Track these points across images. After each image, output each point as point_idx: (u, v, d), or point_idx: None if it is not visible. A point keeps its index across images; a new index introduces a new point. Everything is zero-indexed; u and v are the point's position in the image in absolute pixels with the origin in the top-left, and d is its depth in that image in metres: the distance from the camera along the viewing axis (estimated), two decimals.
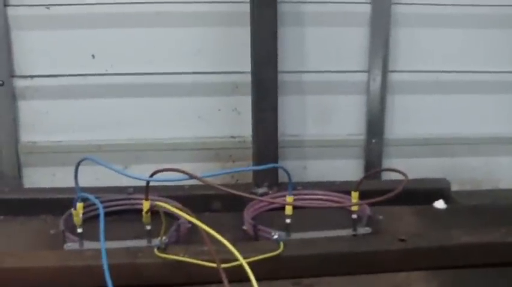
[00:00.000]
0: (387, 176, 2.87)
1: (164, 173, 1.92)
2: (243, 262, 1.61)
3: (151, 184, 2.24)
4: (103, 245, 1.79)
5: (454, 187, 2.91)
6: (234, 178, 2.89)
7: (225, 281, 1.58)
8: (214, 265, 1.79)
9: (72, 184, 2.19)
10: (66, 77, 2.75)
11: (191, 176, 1.86)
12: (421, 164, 2.95)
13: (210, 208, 2.63)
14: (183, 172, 1.88)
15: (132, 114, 2.83)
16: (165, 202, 1.93)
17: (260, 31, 2.61)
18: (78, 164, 2.09)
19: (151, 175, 1.94)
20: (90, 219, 2.27)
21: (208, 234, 1.67)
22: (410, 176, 2.76)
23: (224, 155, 2.89)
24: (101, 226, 1.85)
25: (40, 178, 2.85)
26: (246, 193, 2.15)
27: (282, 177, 2.76)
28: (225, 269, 1.69)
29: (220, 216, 2.58)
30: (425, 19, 2.86)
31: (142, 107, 2.83)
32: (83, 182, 2.52)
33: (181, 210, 1.87)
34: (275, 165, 2.40)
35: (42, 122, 2.81)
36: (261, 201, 2.51)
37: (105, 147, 2.80)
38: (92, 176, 2.73)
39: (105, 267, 1.71)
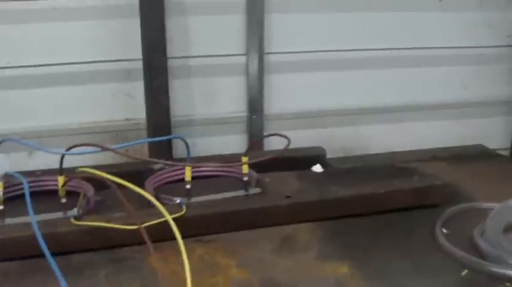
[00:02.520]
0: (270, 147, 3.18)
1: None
2: (169, 218, 1.86)
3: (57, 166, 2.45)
4: (32, 215, 1.97)
5: (329, 155, 3.20)
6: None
7: (147, 239, 1.81)
8: (130, 227, 2.04)
9: None
10: None
11: (103, 149, 2.09)
12: (298, 135, 3.13)
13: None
14: (96, 145, 2.11)
15: (35, 104, 2.93)
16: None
17: (149, 21, 2.81)
18: None
19: (67, 150, 2.16)
20: (11, 199, 2.45)
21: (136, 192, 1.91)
22: (291, 146, 3.08)
23: (121, 136, 3.05)
24: (27, 197, 2.03)
25: None
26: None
27: (175, 154, 3.03)
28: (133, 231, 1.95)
29: (122, 191, 2.77)
30: (294, 6, 3.12)
31: (43, 96, 2.93)
32: None
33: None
34: (176, 135, 2.64)
35: None
36: (159, 175, 2.72)
37: (10, 135, 2.85)
38: None
39: (37, 231, 1.89)
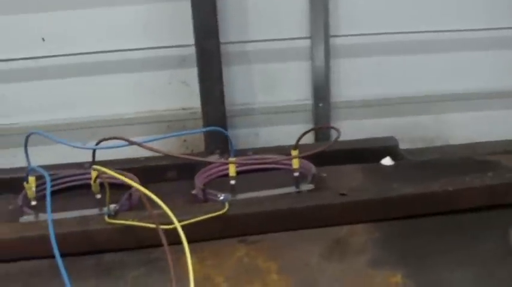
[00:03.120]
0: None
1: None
2: (177, 225, 1.70)
3: (107, 157, 2.35)
4: (49, 212, 1.86)
5: (405, 145, 2.98)
6: (188, 148, 2.98)
7: (164, 240, 1.68)
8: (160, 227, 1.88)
9: (34, 164, 2.27)
10: (18, 60, 2.80)
11: (131, 143, 1.95)
12: (370, 124, 3.02)
13: (165, 177, 2.70)
14: (124, 139, 1.96)
15: (86, 93, 2.89)
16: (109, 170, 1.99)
17: (200, 4, 2.67)
18: (27, 139, 2.17)
19: (97, 144, 2.03)
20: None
21: (148, 198, 1.76)
22: (361, 136, 2.87)
23: (177, 126, 2.94)
24: (47, 193, 1.91)
25: (1, 159, 2.90)
26: (194, 157, 2.26)
27: (236, 144, 2.85)
28: (169, 231, 1.78)
29: (175, 184, 2.67)
30: None
31: (95, 85, 2.87)
32: (43, 160, 2.62)
33: (120, 174, 1.94)
34: (214, 128, 2.46)
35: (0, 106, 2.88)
36: (211, 168, 2.60)
37: (62, 126, 2.86)
38: (51, 154, 2.81)
39: (51, 231, 1.77)
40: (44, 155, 2.71)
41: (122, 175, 2.01)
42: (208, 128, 2.68)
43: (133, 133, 2.79)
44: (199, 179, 2.51)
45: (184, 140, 2.95)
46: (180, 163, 2.65)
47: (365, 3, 2.93)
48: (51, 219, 1.83)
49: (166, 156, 2.09)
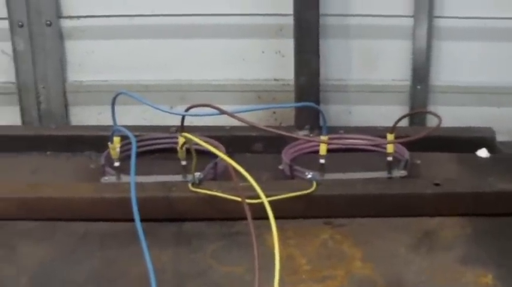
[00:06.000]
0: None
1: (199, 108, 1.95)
2: (265, 200, 1.59)
3: (194, 123, 2.28)
4: (133, 175, 1.81)
5: (502, 137, 2.82)
6: (277, 120, 2.90)
7: (249, 215, 1.59)
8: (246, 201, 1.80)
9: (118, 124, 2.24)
10: (112, 17, 2.78)
11: (222, 112, 1.87)
12: (467, 112, 2.86)
13: (251, 149, 2.66)
14: (215, 107, 1.89)
15: (177, 56, 2.84)
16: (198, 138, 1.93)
17: None
18: (114, 99, 2.13)
19: (186, 110, 1.97)
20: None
21: (234, 169, 1.68)
22: (457, 124, 2.74)
23: (267, 97, 2.87)
24: (132, 156, 1.86)
25: (87, 116, 2.92)
26: (283, 131, 2.18)
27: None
28: (253, 205, 1.70)
29: (261, 157, 2.62)
30: None
31: (187, 48, 2.83)
32: (130, 121, 2.59)
33: (207, 143, 1.87)
34: (308, 104, 2.36)
35: (89, 62, 2.87)
36: (300, 144, 2.52)
37: (151, 87, 2.83)
38: (139, 116, 2.79)
39: (133, 196, 1.72)
40: (129, 115, 2.70)
41: (209, 143, 1.95)
42: (301, 103, 2.59)
43: (221, 100, 2.68)
44: (287, 155, 2.43)
45: (274, 112, 2.87)
46: (267, 135, 2.57)
47: None
48: (134, 182, 1.77)
49: (253, 127, 2.02)
